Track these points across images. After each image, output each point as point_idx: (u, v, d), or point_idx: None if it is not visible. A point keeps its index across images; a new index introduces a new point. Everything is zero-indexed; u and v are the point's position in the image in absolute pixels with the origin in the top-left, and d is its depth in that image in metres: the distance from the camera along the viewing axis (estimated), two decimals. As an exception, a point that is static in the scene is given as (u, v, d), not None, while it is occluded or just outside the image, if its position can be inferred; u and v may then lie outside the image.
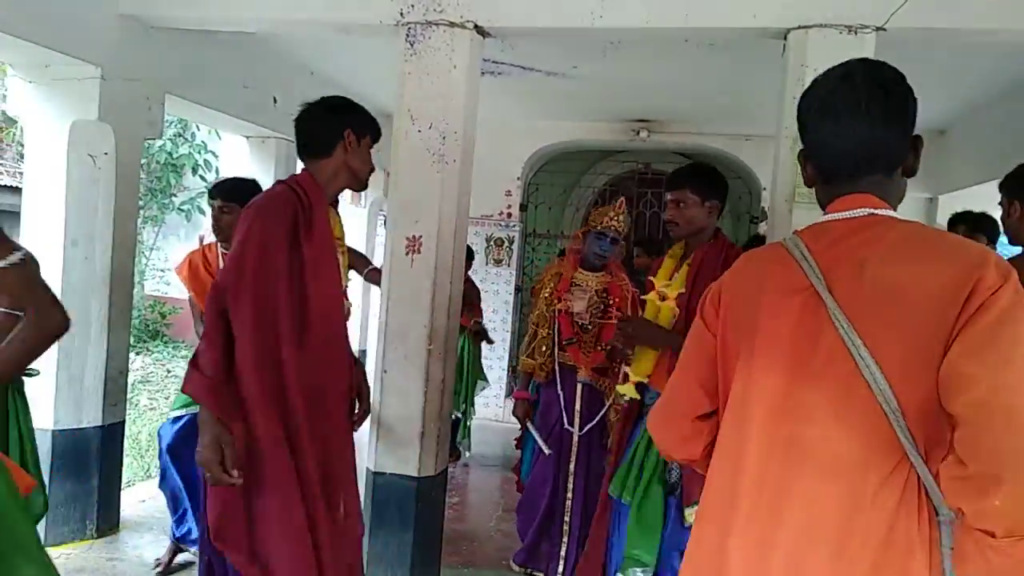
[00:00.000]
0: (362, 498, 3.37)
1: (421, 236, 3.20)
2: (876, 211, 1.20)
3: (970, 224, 3.89)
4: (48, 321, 2.09)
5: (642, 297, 2.75)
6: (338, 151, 2.24)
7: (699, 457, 1.36)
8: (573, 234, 3.69)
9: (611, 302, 3.32)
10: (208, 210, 3.60)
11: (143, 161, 5.44)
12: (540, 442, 3.46)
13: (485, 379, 5.97)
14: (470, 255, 5.63)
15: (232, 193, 3.26)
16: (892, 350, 1.08)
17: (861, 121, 1.19)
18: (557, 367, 3.40)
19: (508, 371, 7.09)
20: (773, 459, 1.15)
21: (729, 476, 1.22)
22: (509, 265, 7.02)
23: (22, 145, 8.66)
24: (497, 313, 7.08)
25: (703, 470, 1.36)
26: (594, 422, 3.32)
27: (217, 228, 3.34)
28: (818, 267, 1.18)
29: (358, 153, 2.28)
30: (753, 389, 1.20)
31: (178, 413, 3.34)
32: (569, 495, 3.35)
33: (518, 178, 6.98)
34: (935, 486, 1.07)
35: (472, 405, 5.75)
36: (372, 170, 2.35)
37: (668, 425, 1.39)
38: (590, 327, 3.33)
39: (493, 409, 7.05)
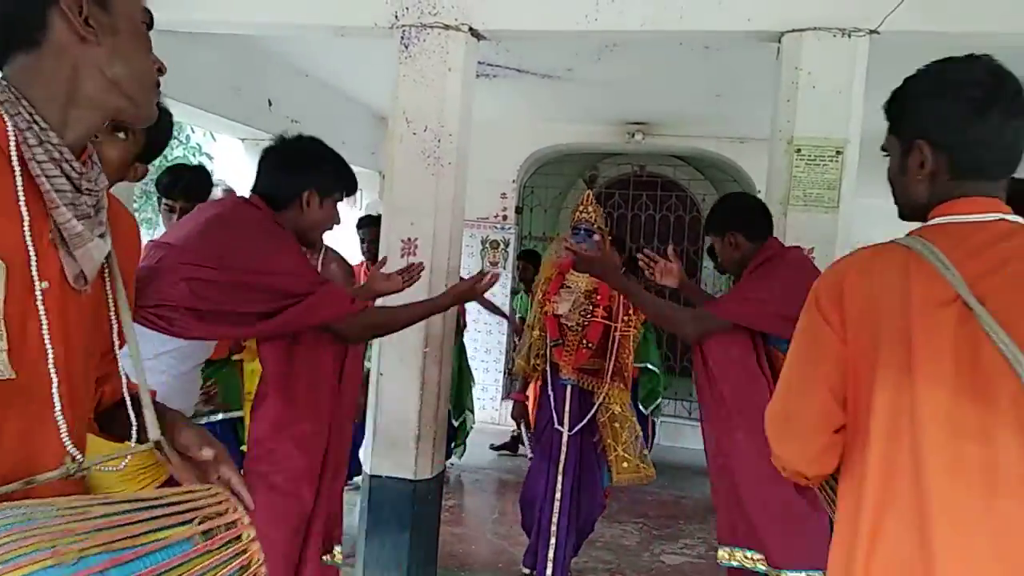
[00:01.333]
0: (359, 501, 3.38)
1: (416, 239, 3.20)
2: (1007, 217, 1.19)
3: None
4: None
5: None
6: (292, 209, 2.03)
7: (829, 472, 1.28)
8: (560, 238, 3.71)
9: (596, 301, 3.33)
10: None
11: (137, 164, 5.43)
12: (526, 444, 3.48)
13: (473, 379, 5.97)
14: None
15: (194, 191, 2.91)
16: None
17: (1021, 124, 1.19)
18: (549, 368, 3.41)
19: (504, 374, 7.09)
20: (959, 482, 1.10)
21: (906, 500, 1.14)
22: (504, 267, 7.02)
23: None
24: (493, 316, 7.07)
25: (815, 484, 1.33)
26: (583, 423, 3.32)
27: None
28: (962, 277, 1.13)
29: (316, 213, 2.07)
30: (919, 406, 1.13)
31: None
32: (558, 496, 3.34)
33: (513, 180, 6.98)
34: None
35: (472, 411, 5.73)
36: (331, 227, 2.16)
37: (800, 440, 1.27)
38: (576, 327, 3.34)
39: (489, 412, 7.04)
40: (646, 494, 5.07)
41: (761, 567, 2.42)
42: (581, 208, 3.35)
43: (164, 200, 2.92)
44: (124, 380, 1.10)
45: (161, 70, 1.06)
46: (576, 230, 3.33)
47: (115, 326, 1.05)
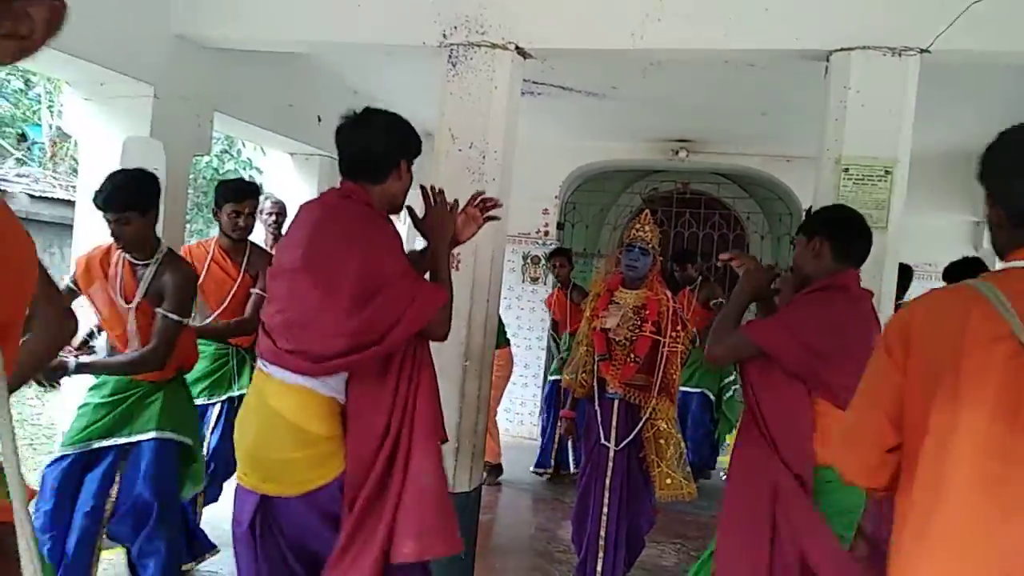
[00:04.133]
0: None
1: (459, 253, 3.23)
2: None
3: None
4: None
5: None
6: (391, 179, 2.16)
7: (884, 485, 1.43)
8: (611, 255, 3.74)
9: (645, 316, 3.33)
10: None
11: (190, 176, 5.61)
12: (570, 459, 3.51)
13: None
14: None
15: (126, 203, 2.65)
16: None
17: None
18: (596, 383, 3.42)
19: (542, 388, 7.08)
20: (982, 495, 1.23)
21: (931, 510, 1.28)
22: (545, 283, 7.04)
23: (75, 159, 8.96)
24: (532, 331, 7.08)
25: (879, 496, 1.49)
26: (630, 437, 3.33)
27: (121, 242, 2.74)
28: (1018, 315, 1.25)
29: (406, 178, 2.21)
30: (961, 431, 1.25)
31: (66, 451, 2.84)
32: (605, 510, 3.35)
33: (556, 197, 7.01)
34: None
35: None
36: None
37: (856, 455, 1.45)
38: (624, 342, 3.34)
39: (528, 427, 7.04)
40: (684, 514, 5.00)
41: None
42: (638, 226, 3.37)
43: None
44: None
45: None
46: (631, 247, 3.34)
47: None
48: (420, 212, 2.32)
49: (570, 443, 3.58)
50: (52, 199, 8.90)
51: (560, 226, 7.20)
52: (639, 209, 8.20)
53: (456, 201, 2.31)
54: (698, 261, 5.94)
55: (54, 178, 9.71)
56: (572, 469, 5.55)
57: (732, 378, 5.93)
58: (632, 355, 3.31)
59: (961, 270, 3.91)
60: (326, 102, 5.10)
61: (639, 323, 3.33)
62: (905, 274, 4.14)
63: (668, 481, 3.30)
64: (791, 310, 2.37)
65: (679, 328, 3.31)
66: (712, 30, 3.06)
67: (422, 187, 2.30)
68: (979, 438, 1.23)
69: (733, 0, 3.01)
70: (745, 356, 2.35)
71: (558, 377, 5.73)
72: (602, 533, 3.36)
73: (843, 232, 2.36)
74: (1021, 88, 4.22)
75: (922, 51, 2.86)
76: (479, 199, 2.38)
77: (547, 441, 5.85)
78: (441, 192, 2.29)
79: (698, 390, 5.79)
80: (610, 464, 3.35)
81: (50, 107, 9.89)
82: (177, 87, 3.77)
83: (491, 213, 2.40)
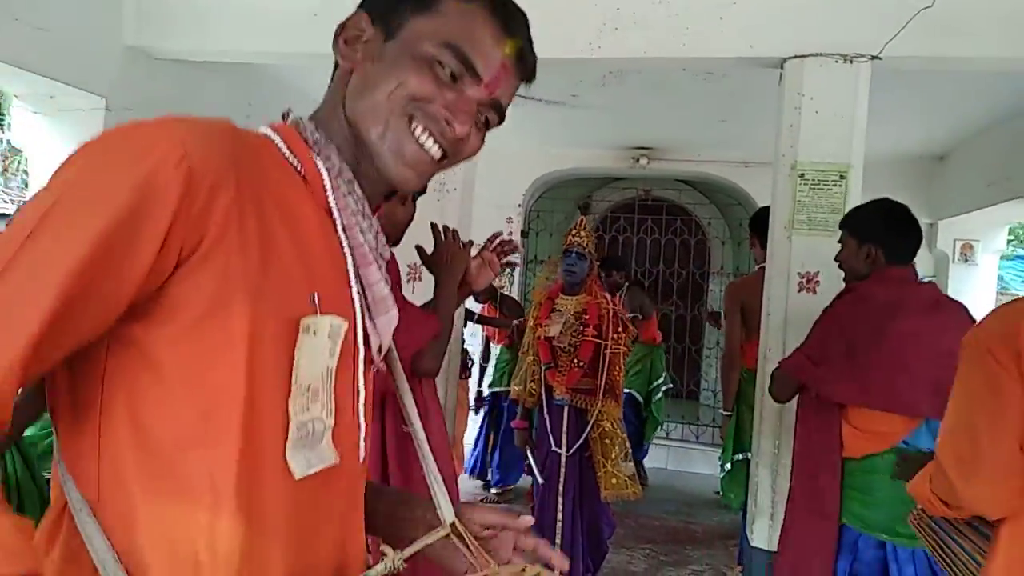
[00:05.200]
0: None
1: (419, 264, 3.21)
2: None
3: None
4: None
5: None
6: (392, 201, 1.98)
7: (1010, 513, 1.35)
8: (550, 262, 3.79)
9: (586, 320, 3.37)
10: None
11: (147, 190, 5.50)
12: (535, 471, 3.51)
13: None
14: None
15: None
16: None
17: None
18: (544, 391, 3.44)
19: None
20: None
21: None
22: (510, 291, 7.03)
23: (27, 173, 8.73)
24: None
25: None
26: (580, 442, 3.35)
27: None
28: None
29: (410, 207, 2.07)
30: None
31: None
32: (559, 516, 3.36)
33: (519, 205, 7.01)
34: None
35: None
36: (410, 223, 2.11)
37: (991, 484, 1.34)
38: (568, 348, 3.37)
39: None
40: (653, 519, 5.03)
41: None
42: (574, 232, 3.45)
43: None
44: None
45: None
46: (568, 253, 3.40)
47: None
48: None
49: (528, 453, 3.60)
50: (3, 215, 8.67)
51: (524, 234, 7.21)
52: (602, 217, 8.27)
53: (471, 241, 2.17)
54: (624, 268, 6.01)
55: (5, 193, 9.45)
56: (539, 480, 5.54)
57: (661, 380, 5.98)
58: (577, 360, 3.35)
59: None
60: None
61: (581, 328, 3.37)
62: None
63: (613, 480, 3.34)
64: (810, 333, 2.42)
65: (620, 330, 3.35)
66: (668, 39, 3.09)
67: (432, 225, 2.14)
68: None
69: (689, 10, 3.05)
70: (795, 390, 2.41)
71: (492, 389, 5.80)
72: (557, 540, 3.37)
73: (893, 236, 2.38)
74: (968, 92, 4.34)
75: (873, 57, 2.92)
76: (496, 242, 2.21)
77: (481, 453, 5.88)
78: (454, 231, 2.15)
79: (626, 391, 5.85)
80: (562, 470, 3.37)
81: None
82: (130, 99, 3.69)
83: (508, 259, 2.27)
